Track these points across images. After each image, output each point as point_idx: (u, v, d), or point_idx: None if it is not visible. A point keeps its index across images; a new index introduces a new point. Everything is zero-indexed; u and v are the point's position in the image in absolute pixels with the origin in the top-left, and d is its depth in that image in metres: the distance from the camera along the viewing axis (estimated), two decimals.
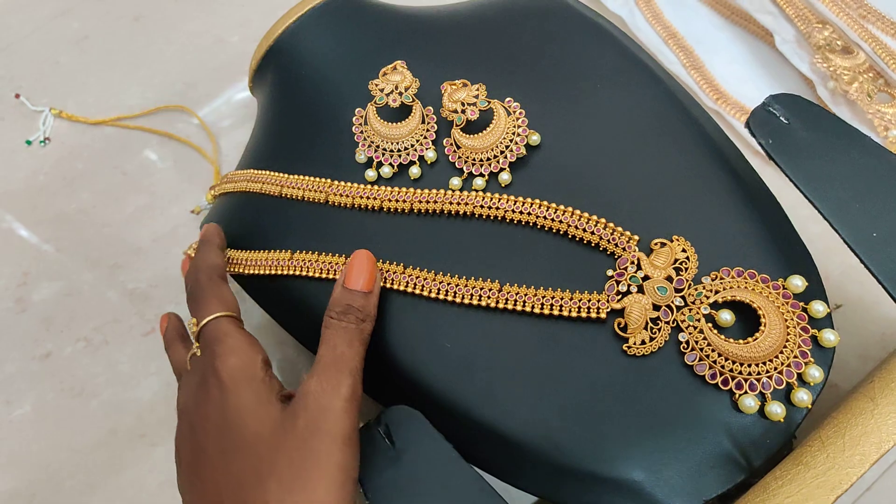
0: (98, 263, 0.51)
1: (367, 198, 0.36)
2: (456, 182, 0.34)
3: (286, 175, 0.38)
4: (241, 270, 0.37)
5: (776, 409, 0.28)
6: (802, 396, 0.28)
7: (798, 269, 0.31)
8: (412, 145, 0.36)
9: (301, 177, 0.38)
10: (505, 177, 0.34)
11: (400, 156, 0.36)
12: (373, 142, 0.36)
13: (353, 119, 0.37)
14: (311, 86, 0.41)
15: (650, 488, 0.29)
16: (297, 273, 0.35)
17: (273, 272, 0.36)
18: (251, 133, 0.45)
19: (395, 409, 0.31)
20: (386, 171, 0.36)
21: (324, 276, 0.35)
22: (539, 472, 0.30)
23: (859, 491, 0.35)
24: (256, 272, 0.37)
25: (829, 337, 0.29)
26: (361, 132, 0.37)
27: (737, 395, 0.29)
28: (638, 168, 0.34)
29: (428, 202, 0.35)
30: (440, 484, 0.30)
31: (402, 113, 0.37)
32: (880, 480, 0.35)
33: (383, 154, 0.36)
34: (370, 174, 0.36)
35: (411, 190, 0.35)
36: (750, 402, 0.28)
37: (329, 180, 0.37)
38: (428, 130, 0.36)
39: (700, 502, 0.28)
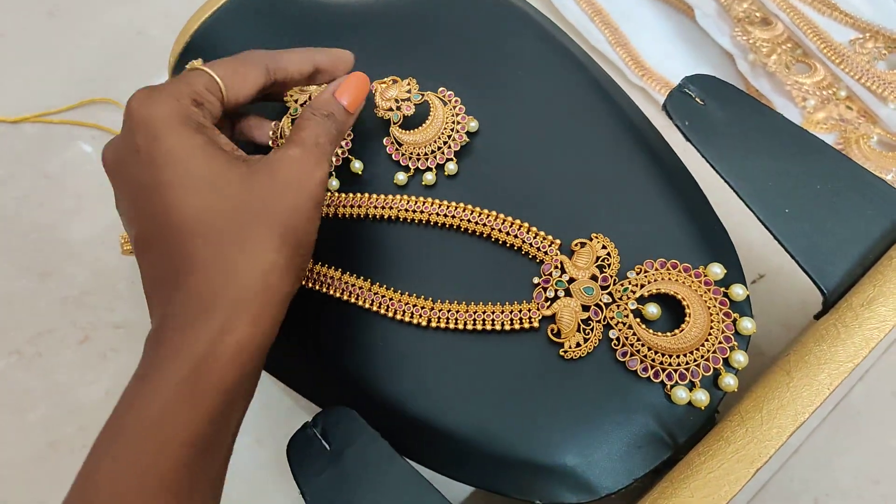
0: (27, 271, 0.49)
1: None
2: (402, 177, 0.34)
3: None
4: None
5: (701, 397, 0.29)
6: (729, 381, 0.29)
7: (717, 254, 0.32)
8: (342, 147, 0.35)
9: None
10: (451, 167, 0.34)
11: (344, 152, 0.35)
12: None
13: (269, 134, 0.35)
14: None
15: (582, 472, 0.29)
16: None
17: None
18: None
19: (332, 410, 0.32)
20: (356, 166, 0.35)
21: None
22: (475, 463, 0.31)
23: (786, 455, 0.37)
24: None
25: (746, 325, 0.30)
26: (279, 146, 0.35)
27: (668, 387, 0.29)
28: (560, 162, 0.34)
29: (353, 206, 0.34)
30: (377, 481, 0.30)
31: None
32: (806, 443, 0.37)
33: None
34: (357, 165, 0.35)
35: (335, 195, 0.35)
36: (682, 394, 0.29)
37: None
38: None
39: (629, 481, 0.29)
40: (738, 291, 0.30)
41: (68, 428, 0.44)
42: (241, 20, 0.41)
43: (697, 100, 0.34)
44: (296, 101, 0.35)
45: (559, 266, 0.31)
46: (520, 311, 0.31)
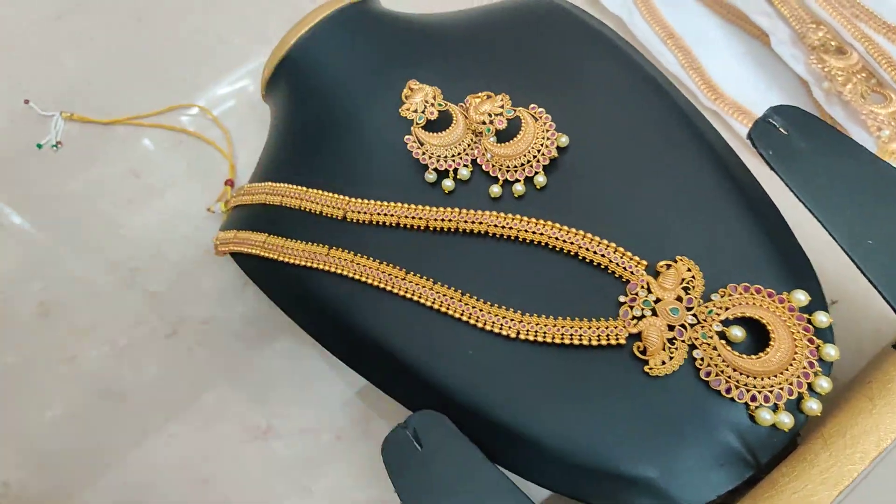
0: (117, 267, 0.52)
1: (384, 214, 0.37)
2: (496, 190, 0.36)
3: (305, 189, 0.40)
4: (274, 256, 0.39)
5: (785, 420, 0.30)
6: (812, 406, 0.30)
7: (799, 280, 0.33)
8: (465, 148, 0.37)
9: (319, 192, 0.39)
10: (541, 179, 0.36)
11: (454, 160, 0.37)
12: (433, 154, 0.37)
13: (408, 146, 0.37)
14: (327, 97, 0.42)
15: (664, 485, 0.31)
16: (328, 269, 0.37)
17: (306, 263, 0.38)
18: (266, 142, 0.46)
19: (423, 414, 0.33)
20: (464, 173, 0.37)
21: (355, 277, 0.36)
22: (560, 469, 0.32)
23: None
24: (290, 260, 0.38)
25: (829, 352, 0.31)
26: (423, 153, 0.37)
27: (752, 408, 0.31)
28: (644, 182, 0.36)
29: (443, 220, 0.36)
30: (467, 483, 0.32)
31: (442, 123, 0.37)
32: (872, 472, 0.38)
33: (447, 161, 0.37)
34: (448, 184, 0.37)
35: (426, 208, 0.36)
36: (766, 416, 0.30)
37: (346, 197, 0.38)
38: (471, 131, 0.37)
39: (712, 496, 0.30)
40: (821, 319, 0.32)
41: (158, 418, 0.46)
42: (336, 36, 0.43)
43: (781, 129, 0.35)
44: (415, 112, 0.37)
45: (646, 286, 0.33)
46: (606, 328, 0.33)
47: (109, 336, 0.49)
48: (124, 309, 0.50)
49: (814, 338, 0.31)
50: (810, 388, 0.31)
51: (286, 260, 0.38)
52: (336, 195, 0.38)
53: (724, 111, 0.49)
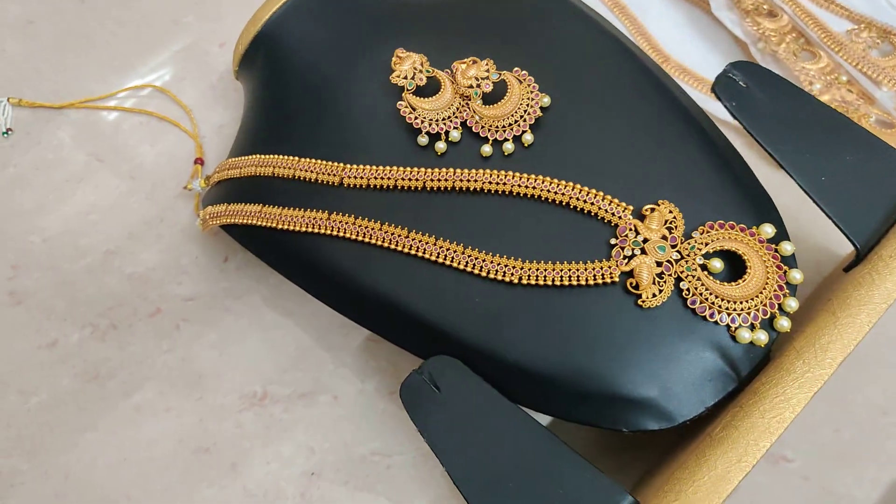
0: (89, 251, 0.52)
1: (381, 178, 0.39)
2: (487, 149, 0.38)
3: (297, 158, 0.41)
4: (273, 224, 0.40)
5: (761, 337, 0.34)
6: (783, 323, 0.34)
7: (764, 215, 0.37)
8: (454, 112, 0.39)
9: (313, 160, 0.40)
10: (528, 137, 0.38)
11: (446, 124, 0.39)
12: (424, 118, 0.39)
13: (400, 112, 0.39)
14: (310, 70, 0.43)
15: (662, 402, 0.34)
16: (332, 233, 0.39)
17: (308, 229, 0.39)
18: (244, 118, 0.47)
19: (437, 359, 0.36)
20: (455, 135, 0.39)
21: (360, 238, 0.38)
22: (568, 399, 0.35)
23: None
24: (290, 227, 0.40)
25: (795, 276, 0.35)
26: (415, 117, 0.39)
27: (732, 329, 0.35)
28: (622, 136, 0.39)
29: (439, 180, 0.38)
30: (486, 418, 0.34)
31: (430, 89, 0.39)
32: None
33: (437, 124, 0.39)
34: (440, 146, 0.39)
35: (422, 169, 0.38)
36: (745, 334, 0.34)
37: (341, 164, 0.40)
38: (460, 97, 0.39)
39: (702, 409, 0.34)
40: (786, 247, 0.36)
41: (149, 394, 0.47)
42: (310, 12, 0.44)
43: (741, 83, 0.39)
44: (405, 79, 0.39)
45: (633, 228, 0.36)
46: (601, 268, 0.36)
47: (90, 319, 0.49)
48: (103, 291, 0.50)
49: (781, 264, 0.36)
50: (780, 308, 0.35)
51: (287, 227, 0.40)
52: (331, 162, 0.40)
53: (672, 73, 0.53)
